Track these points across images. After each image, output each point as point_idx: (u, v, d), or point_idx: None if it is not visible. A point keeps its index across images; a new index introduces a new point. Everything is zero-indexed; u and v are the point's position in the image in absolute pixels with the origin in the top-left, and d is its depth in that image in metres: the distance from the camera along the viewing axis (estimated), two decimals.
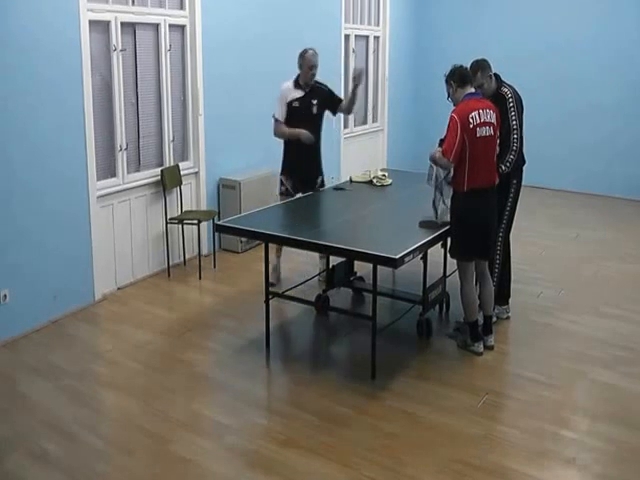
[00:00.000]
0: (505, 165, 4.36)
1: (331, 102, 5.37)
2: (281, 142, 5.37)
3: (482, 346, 4.32)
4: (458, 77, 4.12)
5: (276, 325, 4.77)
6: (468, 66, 4.24)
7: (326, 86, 5.39)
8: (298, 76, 5.24)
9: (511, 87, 4.49)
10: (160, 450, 3.35)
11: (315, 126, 5.25)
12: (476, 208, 4.14)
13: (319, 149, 5.40)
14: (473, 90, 4.16)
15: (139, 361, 4.25)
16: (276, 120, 5.25)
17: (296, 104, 5.19)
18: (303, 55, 5.19)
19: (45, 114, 4.61)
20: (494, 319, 4.53)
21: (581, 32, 8.54)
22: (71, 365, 4.19)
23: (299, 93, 5.21)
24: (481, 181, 4.11)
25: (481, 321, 4.37)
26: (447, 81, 4.17)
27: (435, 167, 4.22)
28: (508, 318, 4.84)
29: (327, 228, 4.36)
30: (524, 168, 4.63)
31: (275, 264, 5.39)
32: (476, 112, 4.01)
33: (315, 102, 5.25)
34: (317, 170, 5.43)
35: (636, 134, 8.38)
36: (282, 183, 5.37)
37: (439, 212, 4.27)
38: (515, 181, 4.57)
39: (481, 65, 4.40)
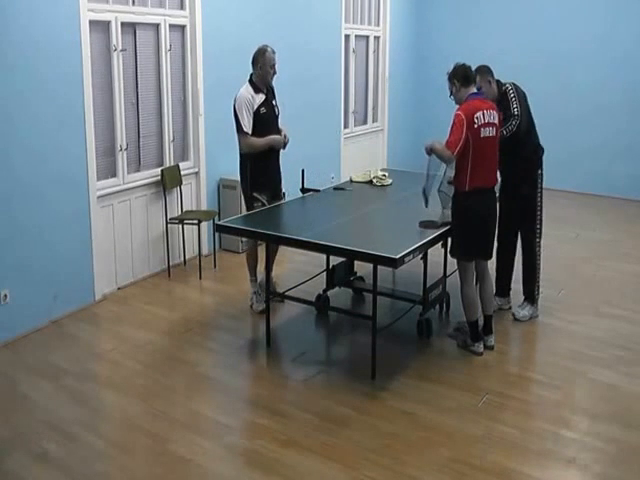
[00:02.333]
0: (506, 130, 4.45)
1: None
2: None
3: (482, 346, 4.32)
4: (461, 77, 4.11)
5: (276, 325, 4.77)
6: (470, 65, 4.23)
7: (273, 86, 4.92)
8: (252, 77, 4.77)
9: (513, 84, 4.62)
10: (160, 450, 3.35)
11: (278, 129, 4.89)
12: (477, 208, 4.15)
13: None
14: (476, 90, 4.16)
15: (139, 361, 4.25)
16: (246, 134, 4.69)
17: (263, 110, 4.73)
18: (263, 53, 4.70)
19: (45, 114, 4.61)
20: (495, 308, 4.61)
21: (583, 35, 8.53)
22: (71, 365, 4.19)
23: (262, 97, 4.75)
24: (483, 181, 4.12)
25: (481, 321, 4.37)
26: (450, 79, 4.16)
27: (430, 158, 4.18)
28: (510, 308, 4.96)
29: (327, 228, 4.35)
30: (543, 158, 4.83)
31: (256, 288, 5.03)
32: (481, 112, 4.02)
33: (275, 103, 4.89)
34: (281, 179, 5.06)
35: (637, 134, 8.38)
36: (256, 199, 4.83)
37: (443, 214, 4.29)
38: (540, 171, 4.77)
39: (480, 70, 4.49)
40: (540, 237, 4.89)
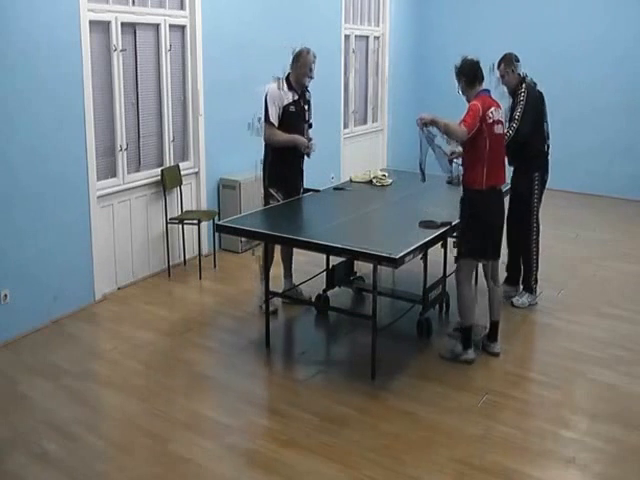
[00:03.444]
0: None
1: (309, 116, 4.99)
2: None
3: (473, 352, 4.18)
4: (468, 75, 4.06)
5: (276, 325, 4.77)
6: (478, 60, 4.15)
7: (309, 93, 5.01)
8: (288, 76, 4.81)
9: (534, 88, 4.76)
10: (160, 450, 3.35)
11: (306, 133, 4.95)
12: (494, 208, 4.13)
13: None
14: (483, 88, 4.13)
15: (139, 361, 4.25)
16: (272, 124, 4.75)
17: (292, 108, 4.78)
18: (304, 55, 4.79)
19: (45, 114, 4.61)
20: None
21: (583, 35, 8.53)
22: (71, 365, 4.19)
23: (293, 96, 4.80)
24: (496, 179, 4.11)
25: (486, 323, 4.36)
26: (457, 76, 4.11)
27: (420, 132, 4.11)
28: (515, 295, 5.10)
29: (327, 228, 4.36)
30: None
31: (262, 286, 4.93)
32: (493, 108, 4.03)
33: (307, 107, 4.94)
34: (302, 179, 5.11)
35: (637, 134, 8.38)
36: (271, 196, 4.89)
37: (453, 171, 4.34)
38: (537, 174, 4.85)
39: (506, 58, 4.66)
40: (537, 234, 4.99)
